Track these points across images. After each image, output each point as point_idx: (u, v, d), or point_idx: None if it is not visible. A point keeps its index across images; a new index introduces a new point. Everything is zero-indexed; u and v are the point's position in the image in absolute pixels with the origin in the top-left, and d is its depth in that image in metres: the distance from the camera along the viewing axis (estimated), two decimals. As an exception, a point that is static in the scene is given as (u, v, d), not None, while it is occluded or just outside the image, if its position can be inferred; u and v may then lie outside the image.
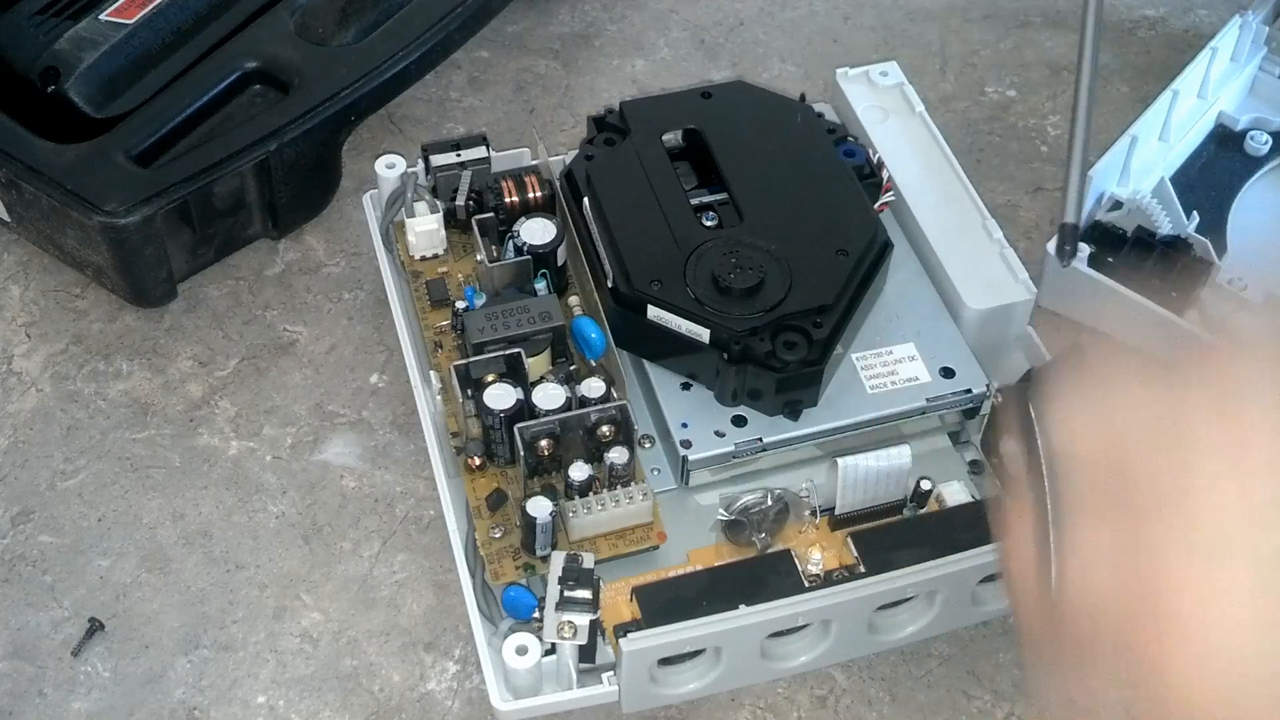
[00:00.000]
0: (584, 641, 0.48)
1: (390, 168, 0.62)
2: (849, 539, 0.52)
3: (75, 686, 0.53)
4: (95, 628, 0.54)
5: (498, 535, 0.52)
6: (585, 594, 0.48)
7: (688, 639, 0.47)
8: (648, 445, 0.55)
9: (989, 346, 0.58)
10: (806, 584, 0.50)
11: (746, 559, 0.52)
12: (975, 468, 0.56)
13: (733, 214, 0.58)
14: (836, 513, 0.53)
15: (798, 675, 0.53)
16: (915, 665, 0.54)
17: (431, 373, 0.55)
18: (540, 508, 0.50)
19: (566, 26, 0.80)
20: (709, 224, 0.57)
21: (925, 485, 0.53)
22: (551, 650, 0.48)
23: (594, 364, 0.56)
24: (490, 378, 0.53)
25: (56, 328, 0.65)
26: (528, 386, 0.53)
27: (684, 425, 0.54)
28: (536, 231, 0.58)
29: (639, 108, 0.62)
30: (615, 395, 0.53)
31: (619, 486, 0.52)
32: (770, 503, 0.53)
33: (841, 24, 0.81)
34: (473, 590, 0.50)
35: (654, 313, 0.54)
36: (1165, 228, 0.62)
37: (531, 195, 0.60)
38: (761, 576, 0.50)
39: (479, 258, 0.58)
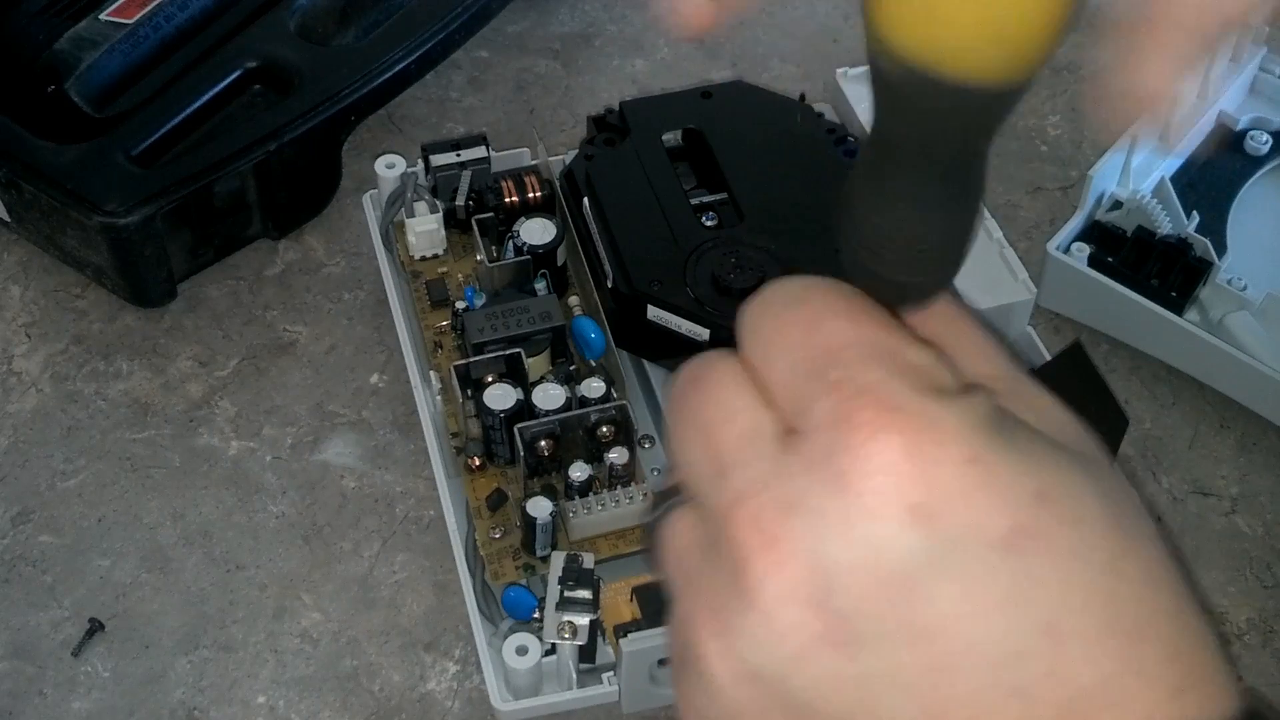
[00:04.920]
0: (584, 641, 0.48)
1: (390, 168, 0.62)
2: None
3: (75, 686, 0.53)
4: (95, 628, 0.54)
5: (498, 535, 0.52)
6: (585, 594, 0.48)
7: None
8: (648, 445, 0.55)
9: (989, 346, 0.58)
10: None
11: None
12: (975, 468, 0.56)
13: (733, 214, 0.58)
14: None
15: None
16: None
17: (431, 373, 0.55)
18: (540, 508, 0.50)
19: (566, 26, 0.80)
20: (709, 224, 0.57)
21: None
22: (551, 650, 0.48)
23: (594, 364, 0.56)
24: (490, 378, 0.53)
25: (56, 328, 0.65)
26: (528, 386, 0.53)
27: (684, 425, 0.54)
28: (536, 231, 0.58)
29: (639, 108, 0.62)
30: (615, 395, 0.53)
31: (619, 486, 0.52)
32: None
33: (841, 24, 0.81)
34: (473, 590, 0.50)
35: (654, 313, 0.54)
36: (1165, 228, 0.62)
37: (531, 195, 0.60)
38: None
39: (479, 258, 0.58)
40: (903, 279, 0.26)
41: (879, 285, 0.26)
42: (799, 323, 0.25)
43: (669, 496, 0.27)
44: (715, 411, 0.26)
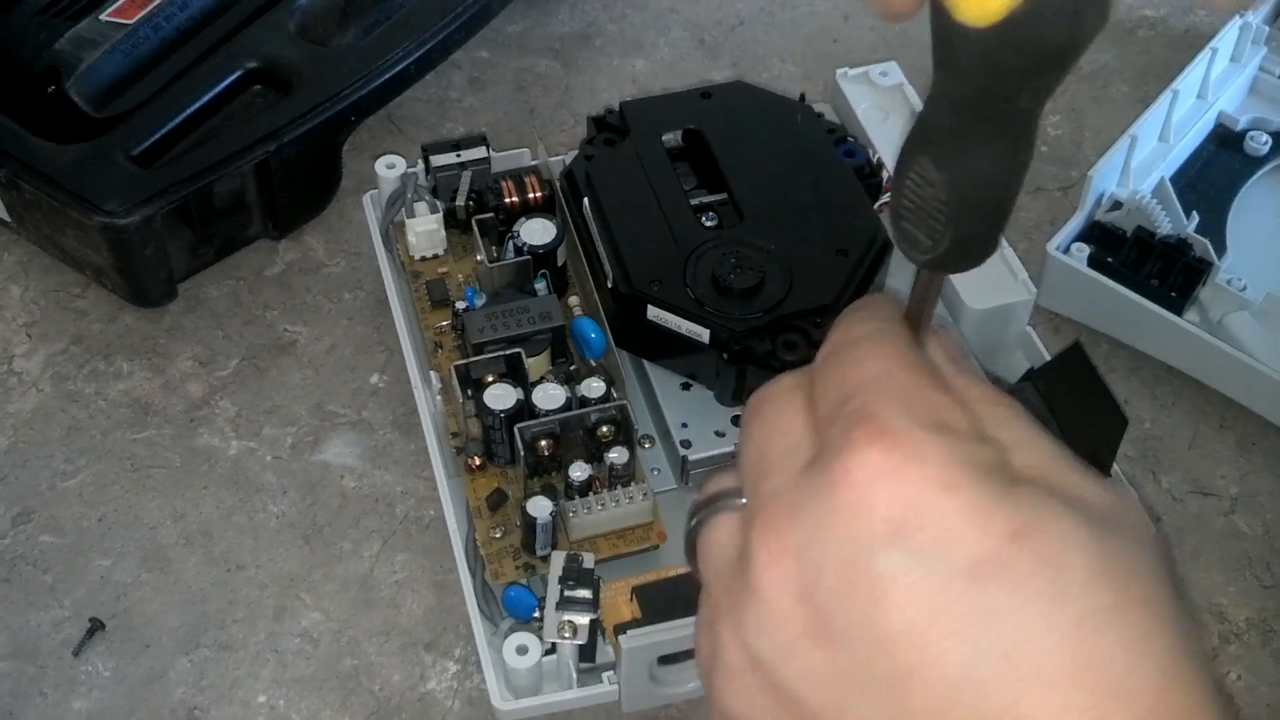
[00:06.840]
0: (584, 641, 0.48)
1: (390, 168, 0.62)
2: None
3: (76, 686, 0.53)
4: (95, 628, 0.54)
5: (498, 535, 0.52)
6: (585, 594, 0.48)
7: (688, 636, 0.47)
8: (648, 445, 0.55)
9: (989, 346, 0.58)
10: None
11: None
12: (975, 468, 0.56)
13: (733, 214, 0.58)
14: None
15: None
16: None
17: (431, 373, 0.55)
18: (540, 508, 0.50)
19: (566, 26, 0.80)
20: (709, 224, 0.57)
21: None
22: (551, 650, 0.48)
23: (594, 364, 0.56)
24: (490, 378, 0.53)
25: (56, 328, 0.65)
26: (528, 386, 0.53)
27: (684, 425, 0.54)
28: (536, 231, 0.58)
29: (639, 108, 0.62)
30: (615, 395, 0.53)
31: (619, 486, 0.52)
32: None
33: (841, 24, 0.81)
34: (473, 590, 0.51)
35: (654, 313, 0.54)
36: (1165, 228, 0.62)
37: (531, 195, 0.60)
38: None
39: (479, 258, 0.58)
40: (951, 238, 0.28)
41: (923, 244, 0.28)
42: (849, 362, 0.28)
43: (711, 503, 0.30)
44: (771, 429, 0.29)
